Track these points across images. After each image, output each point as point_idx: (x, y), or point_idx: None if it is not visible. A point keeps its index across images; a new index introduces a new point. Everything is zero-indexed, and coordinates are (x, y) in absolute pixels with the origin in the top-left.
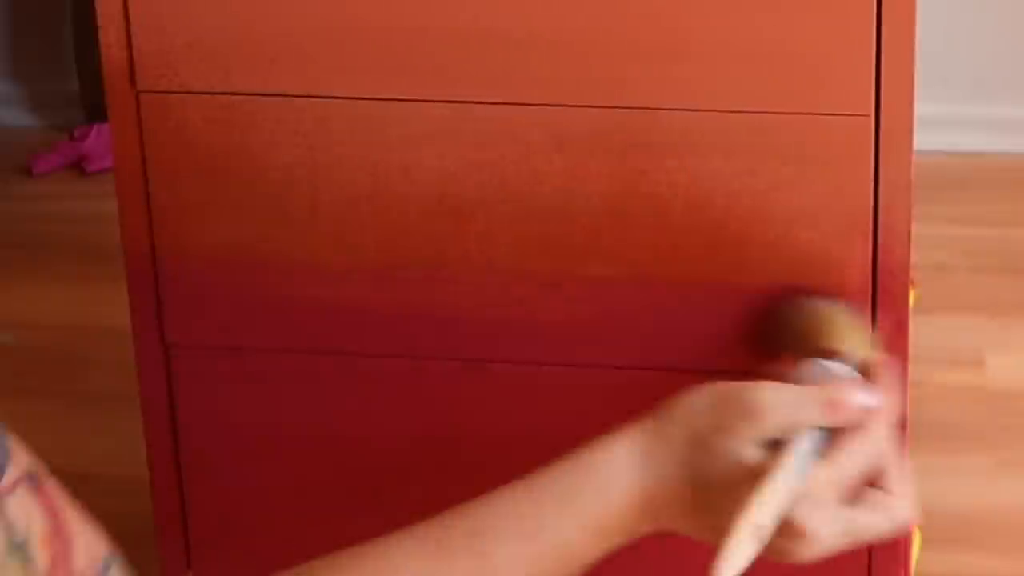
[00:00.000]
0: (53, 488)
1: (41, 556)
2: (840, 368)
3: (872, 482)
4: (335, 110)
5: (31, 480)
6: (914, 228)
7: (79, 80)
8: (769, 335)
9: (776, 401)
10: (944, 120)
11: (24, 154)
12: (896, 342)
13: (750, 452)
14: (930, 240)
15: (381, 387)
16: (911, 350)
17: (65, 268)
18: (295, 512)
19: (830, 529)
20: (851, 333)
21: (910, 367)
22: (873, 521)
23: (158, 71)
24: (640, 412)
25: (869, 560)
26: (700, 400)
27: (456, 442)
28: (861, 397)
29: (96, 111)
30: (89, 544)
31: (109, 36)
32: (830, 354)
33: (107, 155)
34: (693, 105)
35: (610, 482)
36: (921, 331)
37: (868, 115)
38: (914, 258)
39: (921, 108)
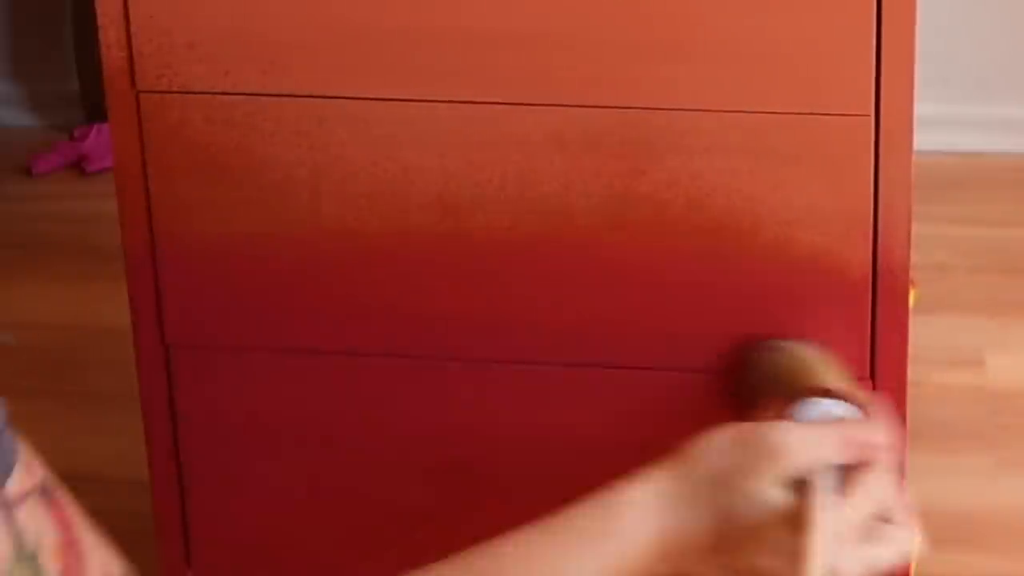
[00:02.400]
0: (67, 503)
1: (52, 569)
2: (836, 406)
3: (878, 514)
4: (335, 110)
5: (44, 493)
6: (914, 228)
7: (79, 80)
8: (745, 381)
9: (797, 441)
10: (944, 120)
11: (24, 154)
12: (896, 342)
13: (774, 492)
14: (930, 240)
15: (381, 387)
16: (911, 350)
17: (65, 268)
18: (295, 512)
19: (851, 567)
20: (828, 369)
21: (910, 367)
22: (885, 555)
23: (158, 71)
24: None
25: None
26: (721, 441)
27: (455, 441)
28: (872, 433)
29: (96, 111)
30: (103, 561)
31: (109, 36)
32: (819, 392)
33: (107, 155)
34: (693, 105)
35: (633, 526)
36: (921, 331)
37: (868, 115)
38: (914, 258)
39: (921, 108)
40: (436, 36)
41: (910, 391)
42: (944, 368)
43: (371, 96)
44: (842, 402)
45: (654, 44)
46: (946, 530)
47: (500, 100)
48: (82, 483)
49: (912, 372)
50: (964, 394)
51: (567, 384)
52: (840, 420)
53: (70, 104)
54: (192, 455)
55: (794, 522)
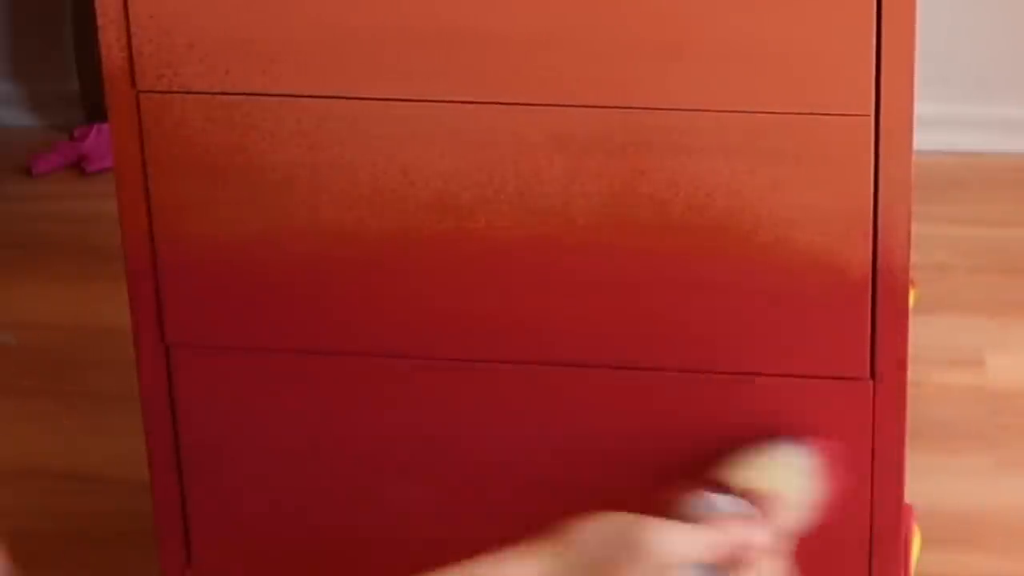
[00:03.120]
0: None
1: None
2: (726, 502)
3: None
4: (335, 110)
5: None
6: (914, 228)
7: (79, 80)
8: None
9: (662, 541)
10: (944, 120)
11: (24, 154)
12: (896, 342)
13: None
14: (930, 240)
15: (381, 387)
16: (911, 350)
17: (65, 268)
18: (295, 511)
19: None
20: (755, 466)
21: (910, 367)
22: None
23: (158, 71)
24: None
25: (869, 560)
26: (599, 531)
27: (456, 442)
28: (743, 533)
29: (96, 111)
30: None
31: (109, 36)
32: (715, 487)
33: (107, 155)
34: (693, 105)
35: None
36: (921, 331)
37: (868, 115)
38: (914, 258)
39: (921, 108)
40: (436, 36)
41: (910, 391)
42: (944, 368)
43: (371, 96)
44: (735, 498)
45: (654, 44)
46: (946, 530)
47: (500, 100)
48: (82, 483)
49: (912, 372)
50: (964, 394)
51: (567, 384)
52: (723, 517)
53: (70, 104)
54: (192, 455)
55: None
